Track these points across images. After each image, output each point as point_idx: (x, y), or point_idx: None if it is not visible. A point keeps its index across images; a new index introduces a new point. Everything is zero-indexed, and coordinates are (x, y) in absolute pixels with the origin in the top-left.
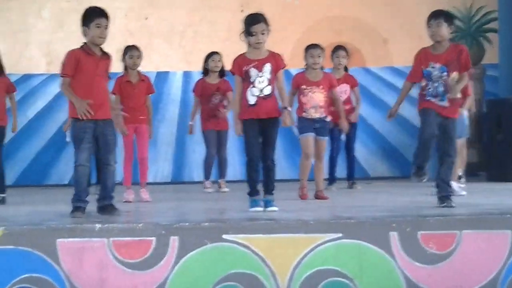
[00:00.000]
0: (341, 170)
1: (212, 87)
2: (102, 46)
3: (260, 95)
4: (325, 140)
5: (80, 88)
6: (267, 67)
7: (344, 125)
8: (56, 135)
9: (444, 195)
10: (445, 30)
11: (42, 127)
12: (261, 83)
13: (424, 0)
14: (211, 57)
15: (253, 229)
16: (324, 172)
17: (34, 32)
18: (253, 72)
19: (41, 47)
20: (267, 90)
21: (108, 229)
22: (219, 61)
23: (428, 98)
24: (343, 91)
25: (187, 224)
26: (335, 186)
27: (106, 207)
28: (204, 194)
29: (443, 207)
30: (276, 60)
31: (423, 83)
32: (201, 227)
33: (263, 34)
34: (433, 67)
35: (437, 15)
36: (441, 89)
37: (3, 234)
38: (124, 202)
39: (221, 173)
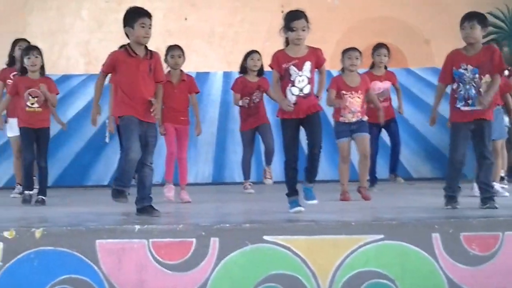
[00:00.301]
0: (381, 171)
1: (253, 85)
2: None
3: (300, 94)
4: (367, 136)
5: (123, 90)
6: (307, 65)
7: (381, 117)
8: (96, 136)
9: (487, 197)
10: (478, 33)
11: (81, 128)
12: (301, 82)
13: (466, 0)
14: (250, 56)
15: (293, 231)
16: None
17: (72, 32)
18: (293, 70)
19: (80, 47)
20: (307, 89)
21: (148, 230)
22: (258, 60)
23: (458, 106)
24: (385, 87)
25: (227, 225)
26: (376, 188)
27: (145, 209)
28: (244, 195)
29: (485, 208)
30: (317, 56)
31: (455, 85)
32: (242, 228)
33: (303, 30)
34: (465, 69)
35: (471, 17)
36: (472, 91)
37: (42, 235)
38: (165, 200)
39: (267, 160)
